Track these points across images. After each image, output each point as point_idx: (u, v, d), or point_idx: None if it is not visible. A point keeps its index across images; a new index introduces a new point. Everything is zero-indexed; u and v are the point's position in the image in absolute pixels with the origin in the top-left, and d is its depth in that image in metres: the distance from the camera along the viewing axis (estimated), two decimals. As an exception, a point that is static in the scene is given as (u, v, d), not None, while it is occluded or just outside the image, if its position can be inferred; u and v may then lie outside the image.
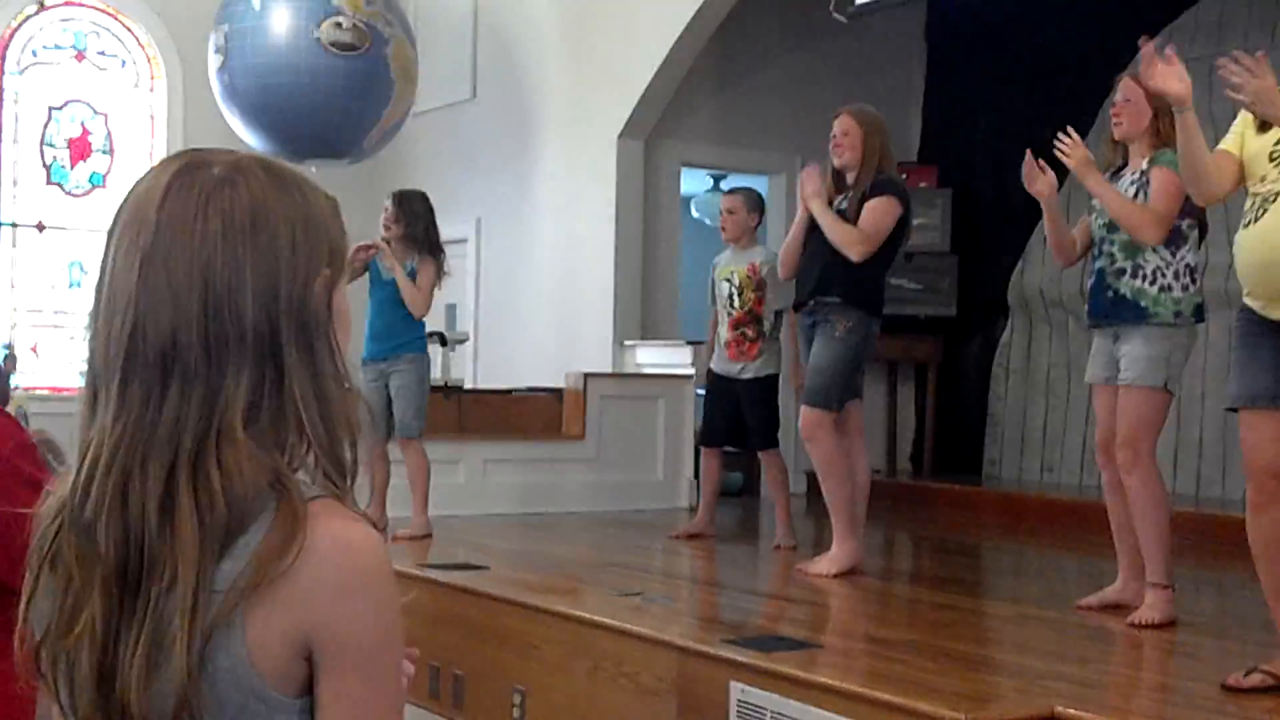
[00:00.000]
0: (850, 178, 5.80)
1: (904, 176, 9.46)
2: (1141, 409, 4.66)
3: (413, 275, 6.60)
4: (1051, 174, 4.97)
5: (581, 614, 4.60)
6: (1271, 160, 3.53)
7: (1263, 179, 3.56)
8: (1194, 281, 4.70)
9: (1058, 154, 4.81)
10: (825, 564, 5.68)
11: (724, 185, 10.51)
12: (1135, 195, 4.70)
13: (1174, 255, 4.67)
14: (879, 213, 5.65)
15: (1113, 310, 4.74)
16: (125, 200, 1.33)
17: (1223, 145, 3.72)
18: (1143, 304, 4.67)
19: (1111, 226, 4.75)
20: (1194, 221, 4.70)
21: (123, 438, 1.26)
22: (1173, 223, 4.62)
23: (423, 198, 6.81)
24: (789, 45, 9.81)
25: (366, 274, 6.66)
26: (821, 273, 5.72)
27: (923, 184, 9.79)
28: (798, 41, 9.75)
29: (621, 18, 9.31)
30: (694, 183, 11.44)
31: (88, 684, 1.26)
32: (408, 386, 6.60)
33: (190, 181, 1.30)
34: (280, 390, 1.28)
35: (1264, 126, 3.61)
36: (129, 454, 1.25)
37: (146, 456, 1.25)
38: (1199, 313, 4.71)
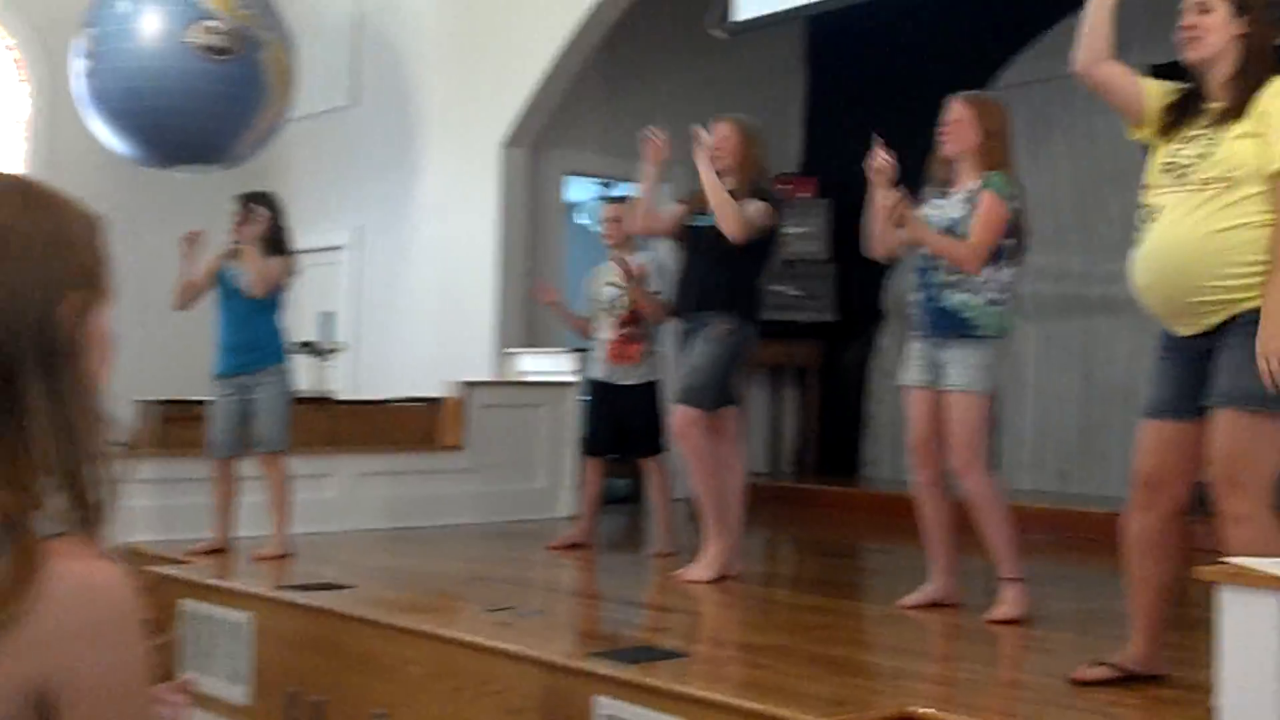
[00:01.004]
0: (727, 184, 5.82)
1: (790, 186, 9.66)
2: (974, 414, 4.81)
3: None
4: (891, 172, 5.01)
5: (445, 632, 4.53)
6: (1164, 171, 3.56)
7: (1153, 189, 3.58)
8: (1012, 295, 4.87)
9: (871, 177, 4.93)
10: (697, 569, 5.70)
11: (610, 193, 10.50)
12: (965, 213, 4.81)
13: (996, 271, 4.81)
14: (760, 215, 5.73)
15: (940, 322, 4.85)
16: None
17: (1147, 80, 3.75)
18: (967, 316, 4.80)
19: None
20: (1015, 240, 4.85)
21: None
22: (990, 250, 4.77)
23: (271, 198, 6.69)
24: (675, 57, 9.83)
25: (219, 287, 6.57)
26: (703, 289, 5.75)
27: (803, 194, 9.93)
28: (684, 54, 9.78)
29: (507, 26, 9.27)
30: (581, 190, 11.41)
31: None
32: (272, 400, 6.45)
33: None
34: (17, 419, 1.21)
35: (1168, 129, 3.62)
36: None
37: None
38: (1012, 324, 4.90)
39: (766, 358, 9.82)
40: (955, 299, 4.81)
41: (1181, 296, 3.48)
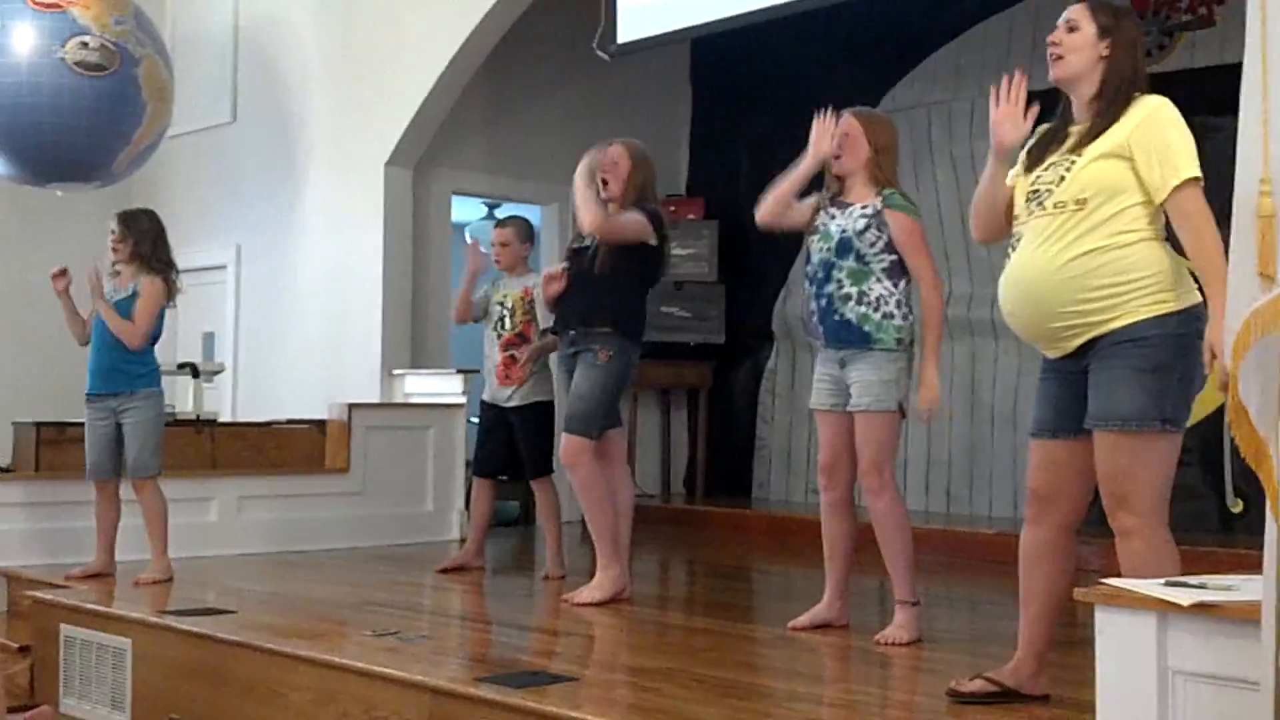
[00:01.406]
0: (613, 208, 5.83)
1: (672, 209, 9.70)
2: (882, 432, 4.87)
3: (135, 298, 6.38)
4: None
5: (330, 658, 4.47)
6: (1027, 200, 3.60)
7: (1017, 218, 3.63)
8: (911, 311, 4.92)
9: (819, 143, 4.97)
10: (589, 592, 5.70)
11: (498, 213, 10.48)
12: (865, 228, 4.86)
13: (896, 286, 4.89)
14: (633, 219, 5.73)
15: (840, 334, 4.88)
16: None
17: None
18: (867, 329, 4.84)
19: (840, 252, 4.88)
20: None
21: None
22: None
23: (149, 215, 6.60)
24: (560, 78, 9.83)
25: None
26: (588, 303, 5.72)
27: (690, 216, 9.98)
28: (569, 74, 9.78)
29: (389, 44, 9.21)
30: (467, 210, 11.36)
31: None
32: (142, 424, 6.35)
33: None
34: None
35: (1031, 166, 3.68)
36: None
37: None
38: (913, 340, 4.93)
39: (656, 379, 9.87)
40: (856, 311, 4.85)
41: (1042, 322, 3.54)
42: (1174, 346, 3.47)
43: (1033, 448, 3.74)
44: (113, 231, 6.49)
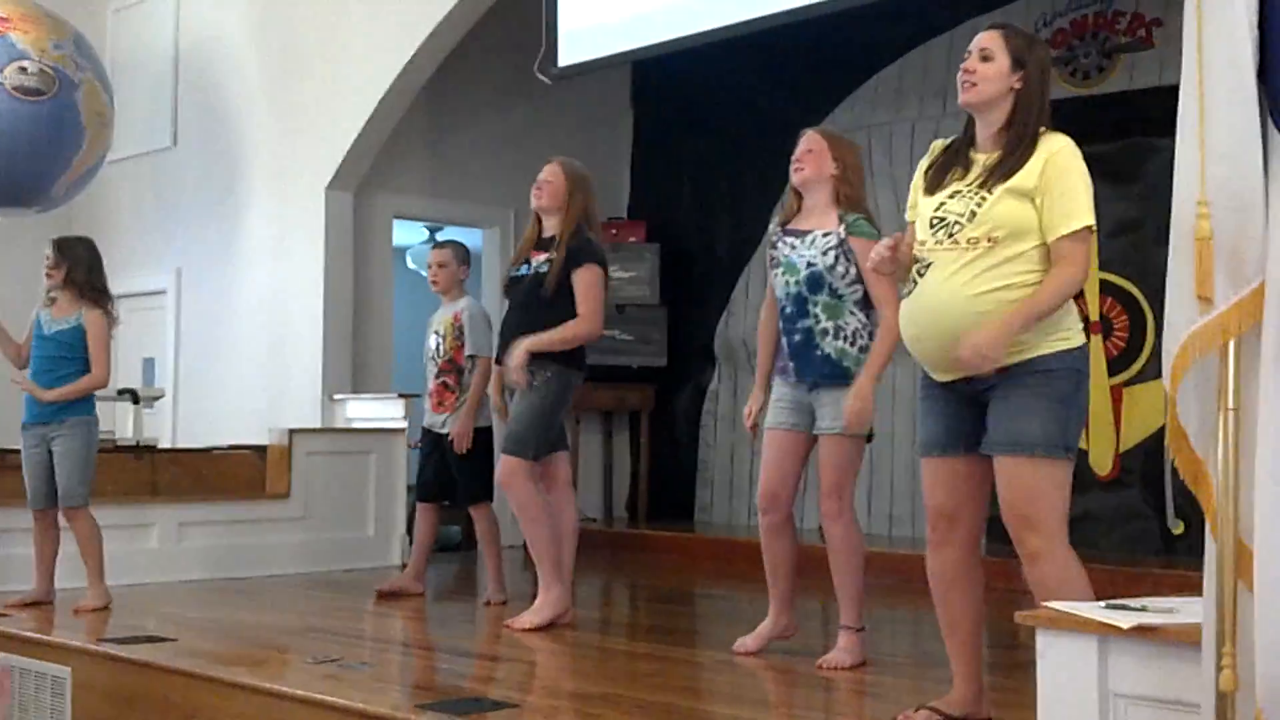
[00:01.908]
0: (548, 226, 5.83)
1: (614, 232, 9.71)
2: (848, 456, 4.84)
3: (81, 331, 6.31)
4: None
5: (271, 685, 4.43)
6: (930, 229, 3.62)
7: (921, 244, 3.65)
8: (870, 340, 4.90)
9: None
10: (529, 617, 5.66)
11: (439, 237, 10.44)
12: (835, 261, 4.80)
13: (868, 318, 4.86)
14: (590, 285, 5.71)
15: (819, 368, 4.83)
16: None
17: (909, 215, 3.82)
18: (846, 364, 4.80)
19: (813, 287, 4.83)
20: None
21: None
22: None
23: (85, 243, 6.53)
24: (501, 101, 9.82)
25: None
26: (529, 330, 5.69)
27: (632, 239, 10.01)
28: (510, 98, 9.78)
29: (329, 68, 9.18)
30: (409, 234, 11.32)
31: None
32: (71, 453, 6.28)
33: None
34: None
35: (931, 189, 3.70)
36: None
37: None
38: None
39: (598, 402, 9.85)
40: (835, 346, 4.81)
41: (945, 352, 3.56)
42: (1074, 380, 3.58)
43: (926, 467, 3.76)
44: (48, 258, 6.43)
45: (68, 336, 6.33)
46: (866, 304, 4.85)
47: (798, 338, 4.86)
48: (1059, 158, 3.55)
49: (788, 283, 4.88)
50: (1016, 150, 3.58)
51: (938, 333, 3.56)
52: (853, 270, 4.80)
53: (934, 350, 3.61)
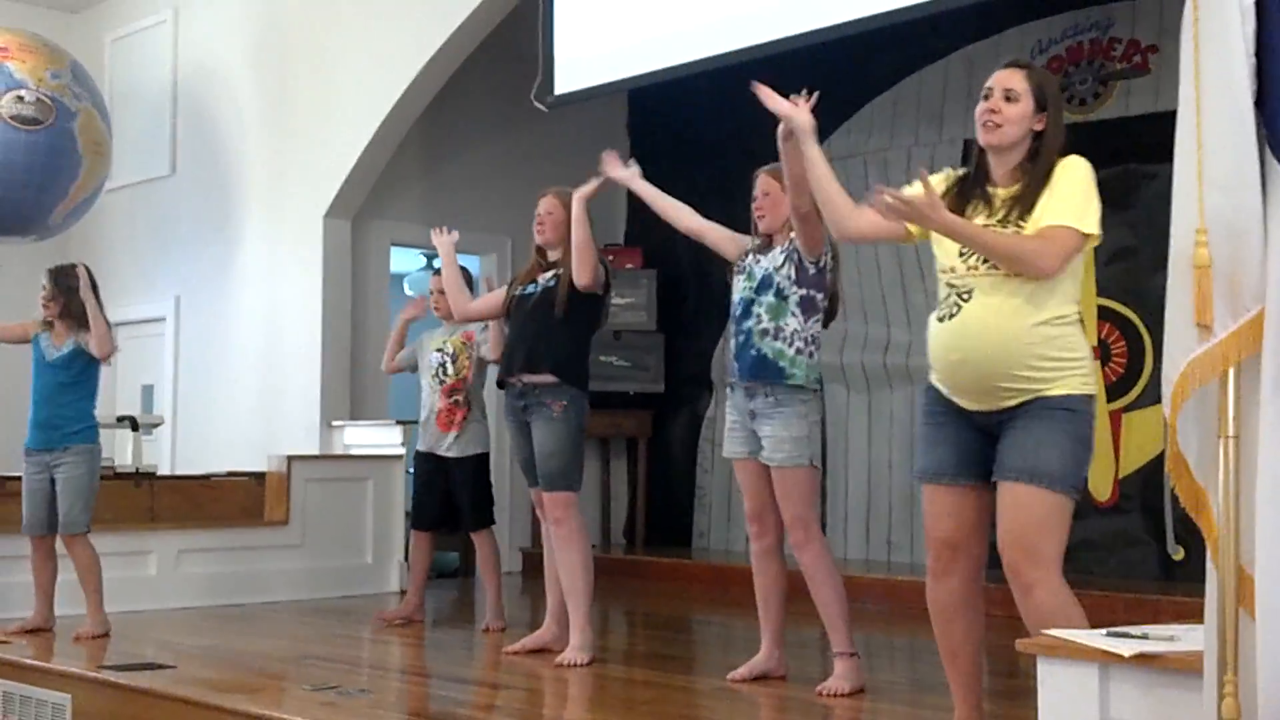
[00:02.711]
0: (553, 255, 5.83)
1: (610, 258, 9.69)
2: (801, 487, 4.88)
3: (80, 349, 6.33)
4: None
5: (269, 713, 4.42)
6: (961, 256, 3.60)
7: (952, 270, 3.62)
8: (818, 349, 4.94)
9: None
10: (574, 653, 5.55)
11: (436, 264, 10.44)
12: (783, 262, 4.91)
13: (807, 322, 4.91)
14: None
15: (756, 369, 4.89)
16: None
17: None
18: (781, 364, 4.86)
19: (761, 288, 4.92)
20: (825, 296, 4.96)
21: None
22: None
23: (81, 271, 6.53)
24: (497, 128, 9.85)
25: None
26: (530, 348, 5.69)
27: (628, 265, 10.02)
28: (506, 125, 9.80)
29: (326, 96, 9.20)
30: (406, 261, 11.33)
31: None
32: (74, 480, 6.30)
33: None
34: None
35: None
36: None
37: None
38: (821, 386, 4.96)
39: (595, 429, 9.81)
40: (772, 346, 4.86)
41: (990, 380, 3.54)
42: (1091, 424, 3.59)
43: (932, 495, 3.71)
44: (44, 288, 6.44)
45: (66, 361, 6.35)
46: (810, 309, 4.90)
47: (740, 338, 4.96)
48: (1066, 168, 3.57)
49: (744, 288, 4.99)
50: (1037, 183, 3.57)
51: (984, 359, 3.53)
52: (799, 272, 4.88)
53: (974, 376, 3.57)
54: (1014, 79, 3.65)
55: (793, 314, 4.88)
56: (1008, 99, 3.62)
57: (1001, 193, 3.63)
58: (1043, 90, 3.65)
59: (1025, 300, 3.50)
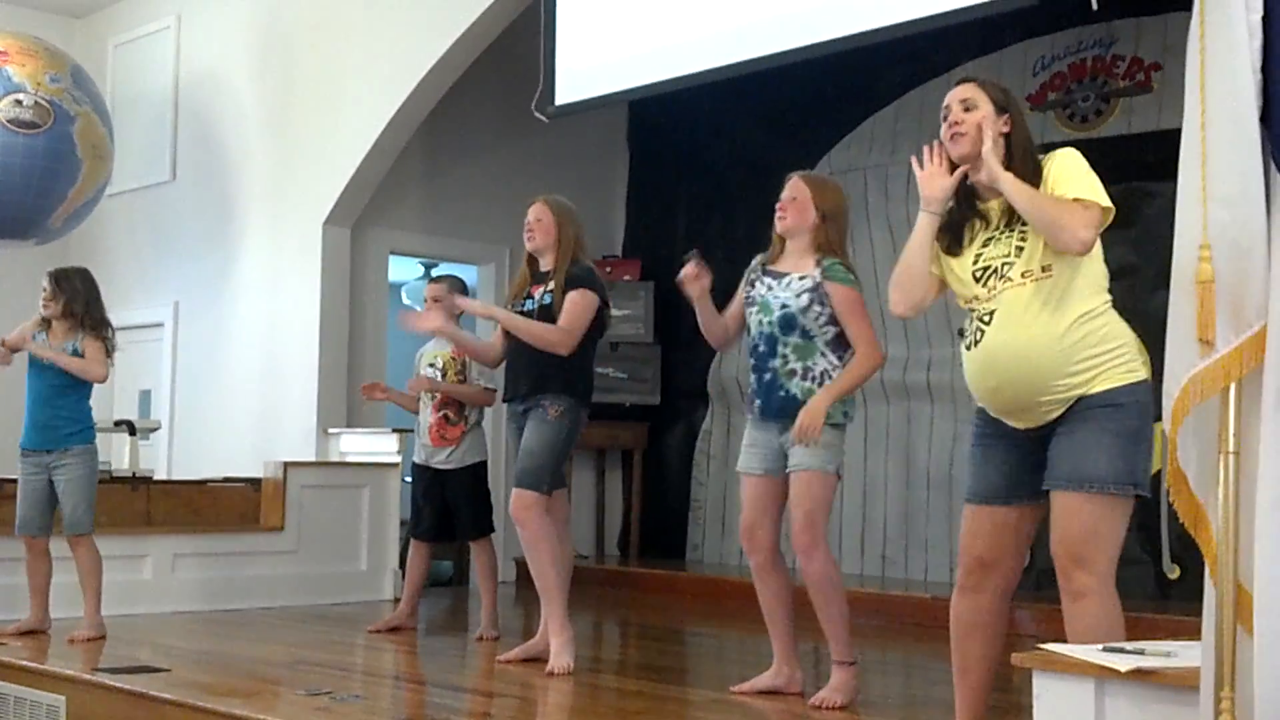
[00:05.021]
0: (544, 263, 5.83)
1: (608, 270, 9.73)
2: (819, 491, 4.83)
3: (77, 351, 6.34)
4: (707, 278, 5.07)
5: (262, 717, 4.42)
6: (978, 281, 3.60)
7: (975, 298, 3.61)
8: None
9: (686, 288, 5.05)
10: (561, 660, 5.55)
11: (435, 273, 10.45)
12: (809, 303, 4.84)
13: (840, 359, 4.87)
14: (579, 307, 5.66)
15: (785, 410, 4.84)
16: None
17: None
18: None
19: (785, 328, 4.87)
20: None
21: None
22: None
23: (82, 274, 6.55)
24: (497, 139, 9.86)
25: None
26: (539, 371, 5.68)
27: (626, 277, 10.03)
28: (506, 135, 9.81)
29: (327, 104, 9.21)
30: (404, 270, 11.34)
31: None
32: (76, 481, 6.30)
33: None
34: None
35: (954, 250, 3.68)
36: None
37: None
38: (849, 411, 4.93)
39: (591, 440, 9.85)
40: (801, 387, 4.83)
41: (1031, 396, 3.51)
42: (1142, 413, 3.51)
43: (973, 515, 3.69)
44: (44, 290, 6.45)
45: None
46: (839, 345, 4.86)
47: (767, 376, 4.90)
48: (1056, 158, 3.59)
49: (761, 322, 4.93)
50: (1026, 182, 3.55)
51: (1018, 378, 3.50)
52: (826, 313, 4.84)
53: (1012, 397, 3.55)
54: (967, 91, 3.68)
55: (822, 354, 4.85)
56: (966, 109, 3.65)
57: (994, 204, 3.63)
58: (1000, 94, 3.67)
59: (1048, 305, 3.48)
